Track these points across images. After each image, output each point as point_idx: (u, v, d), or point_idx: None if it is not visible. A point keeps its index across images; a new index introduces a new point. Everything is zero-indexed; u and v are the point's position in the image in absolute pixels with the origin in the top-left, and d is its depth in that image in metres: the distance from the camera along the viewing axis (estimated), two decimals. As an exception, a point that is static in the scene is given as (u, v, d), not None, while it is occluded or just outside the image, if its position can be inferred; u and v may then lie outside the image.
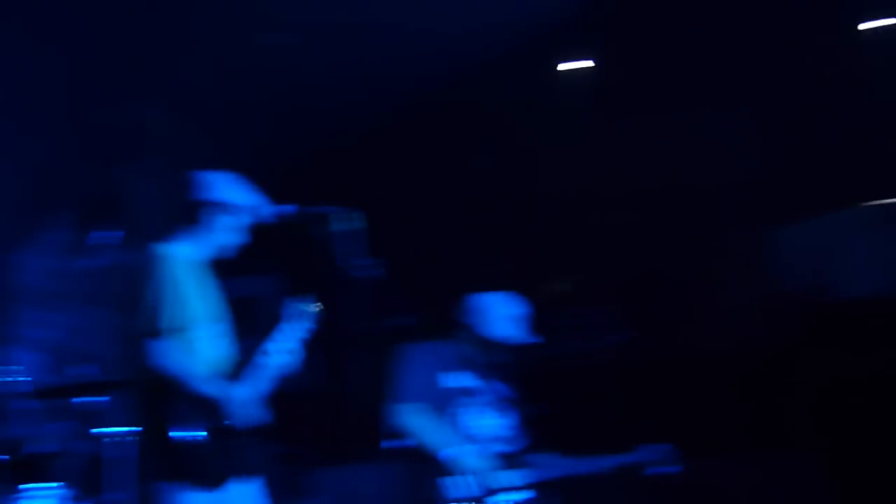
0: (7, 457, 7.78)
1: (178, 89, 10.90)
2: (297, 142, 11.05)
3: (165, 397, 5.91)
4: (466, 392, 7.11)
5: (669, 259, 11.61)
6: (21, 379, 8.28)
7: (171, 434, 5.83)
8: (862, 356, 9.26)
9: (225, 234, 6.31)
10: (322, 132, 10.94)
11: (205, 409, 5.90)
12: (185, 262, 6.17)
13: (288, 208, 6.34)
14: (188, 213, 6.28)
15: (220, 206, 6.29)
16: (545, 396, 8.99)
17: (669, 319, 11.39)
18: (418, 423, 6.65)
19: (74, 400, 8.19)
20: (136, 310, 5.95)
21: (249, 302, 6.68)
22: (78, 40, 9.68)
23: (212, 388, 5.94)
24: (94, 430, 8.10)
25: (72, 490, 7.65)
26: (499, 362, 7.16)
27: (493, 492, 6.89)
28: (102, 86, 10.21)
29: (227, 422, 5.93)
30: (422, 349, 6.77)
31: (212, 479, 5.85)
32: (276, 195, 6.54)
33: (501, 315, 7.17)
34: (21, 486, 7.56)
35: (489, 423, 7.15)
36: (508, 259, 11.38)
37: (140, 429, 6.04)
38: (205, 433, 5.87)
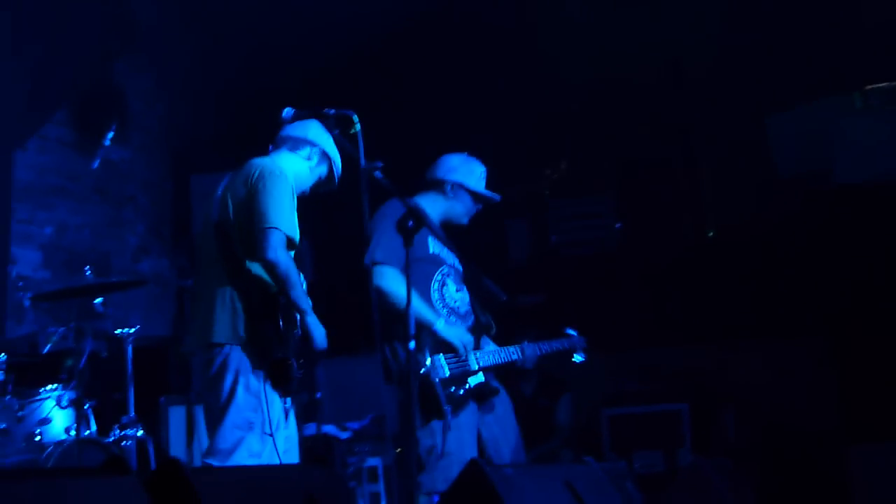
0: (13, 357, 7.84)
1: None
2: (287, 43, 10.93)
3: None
4: (439, 261, 7.21)
5: (667, 146, 11.58)
6: (19, 279, 8.29)
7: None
8: (864, 241, 9.24)
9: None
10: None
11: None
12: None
13: (288, 111, 6.30)
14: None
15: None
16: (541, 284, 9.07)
17: (669, 206, 11.37)
18: (398, 286, 6.68)
19: (76, 300, 8.22)
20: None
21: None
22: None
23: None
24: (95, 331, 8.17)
25: (74, 391, 7.69)
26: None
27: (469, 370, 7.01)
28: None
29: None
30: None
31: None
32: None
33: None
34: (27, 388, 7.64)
35: (457, 295, 7.25)
36: (509, 148, 11.37)
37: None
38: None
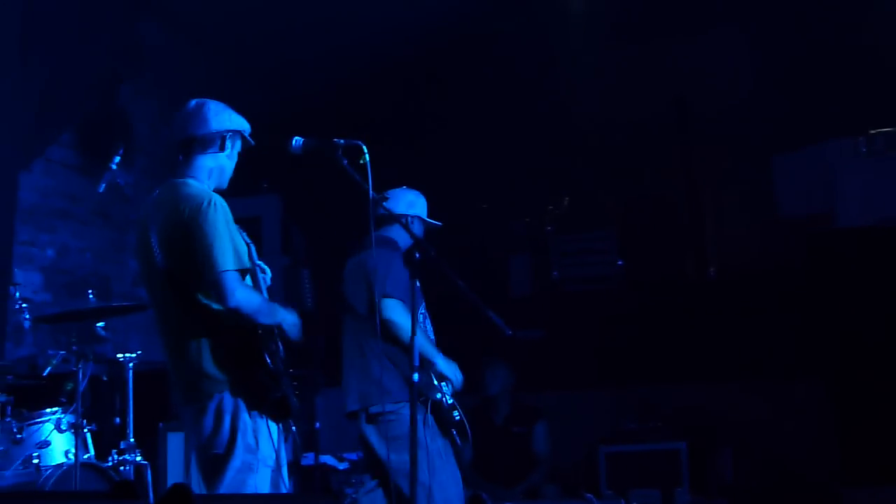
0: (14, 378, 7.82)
1: (179, 10, 10.82)
2: (294, 70, 10.96)
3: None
4: (421, 295, 7.21)
5: (673, 184, 11.61)
6: (22, 300, 8.27)
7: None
8: (865, 284, 9.24)
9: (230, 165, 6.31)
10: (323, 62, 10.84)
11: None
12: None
13: (299, 140, 6.30)
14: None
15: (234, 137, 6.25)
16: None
17: (671, 244, 11.40)
18: (406, 319, 6.65)
19: (76, 324, 8.20)
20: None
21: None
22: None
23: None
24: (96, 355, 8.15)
25: (74, 414, 7.66)
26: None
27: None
28: (103, 4, 10.14)
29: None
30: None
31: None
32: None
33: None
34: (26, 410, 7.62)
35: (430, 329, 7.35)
36: (513, 183, 11.40)
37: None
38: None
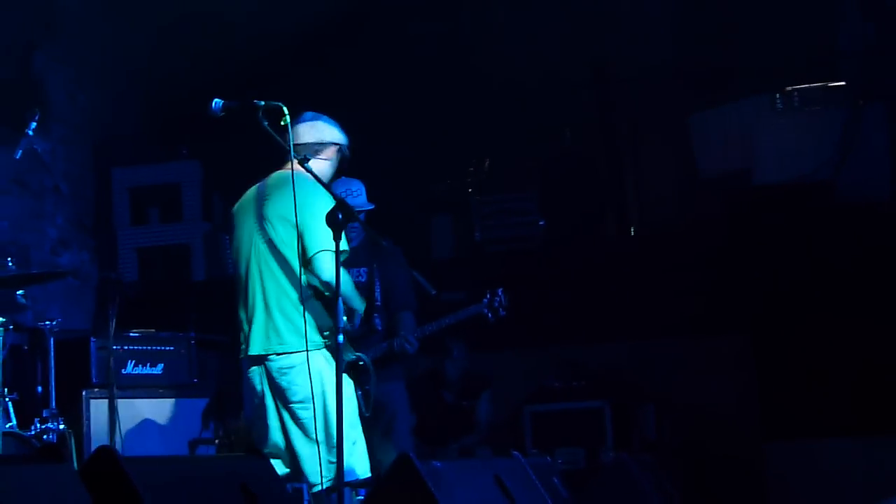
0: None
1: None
2: (211, 33, 10.87)
3: None
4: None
5: (590, 145, 11.65)
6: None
7: None
8: (783, 241, 9.35)
9: None
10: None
11: None
12: None
13: (218, 102, 6.25)
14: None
15: None
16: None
17: (591, 205, 11.44)
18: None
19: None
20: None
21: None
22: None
23: None
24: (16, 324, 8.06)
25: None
26: None
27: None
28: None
29: None
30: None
31: None
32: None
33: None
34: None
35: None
36: (432, 145, 11.40)
37: None
38: None
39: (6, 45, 10.19)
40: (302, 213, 6.34)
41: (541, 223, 11.06)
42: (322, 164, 6.68)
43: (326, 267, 6.31)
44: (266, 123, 6.21)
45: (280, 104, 6.18)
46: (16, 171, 10.22)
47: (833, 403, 8.87)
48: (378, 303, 7.64)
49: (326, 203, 6.05)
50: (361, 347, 7.31)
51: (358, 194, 7.79)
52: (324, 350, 6.42)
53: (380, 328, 7.53)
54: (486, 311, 7.79)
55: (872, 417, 8.72)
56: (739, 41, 10.76)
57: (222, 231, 10.58)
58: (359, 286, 7.50)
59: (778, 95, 10.35)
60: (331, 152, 6.77)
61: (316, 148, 6.70)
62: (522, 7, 11.30)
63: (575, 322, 10.39)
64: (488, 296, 7.81)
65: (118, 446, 7.90)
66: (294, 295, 6.41)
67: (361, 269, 7.74)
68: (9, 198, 10.32)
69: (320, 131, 6.78)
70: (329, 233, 5.82)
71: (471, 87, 11.29)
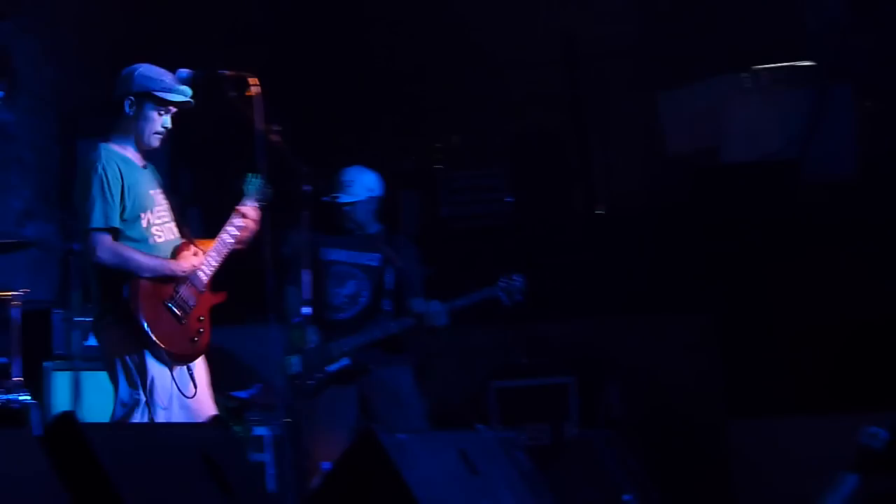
0: None
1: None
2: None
3: None
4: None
5: (558, 121, 11.64)
6: None
7: None
8: (749, 219, 9.38)
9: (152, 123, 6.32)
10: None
11: None
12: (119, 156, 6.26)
13: (184, 72, 6.23)
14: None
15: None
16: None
17: (559, 181, 11.43)
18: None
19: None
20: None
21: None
22: None
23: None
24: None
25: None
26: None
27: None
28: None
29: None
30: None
31: None
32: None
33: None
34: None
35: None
36: (398, 120, 11.38)
37: None
38: None
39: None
40: None
41: (508, 199, 11.04)
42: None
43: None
44: (233, 94, 6.20)
45: (246, 74, 6.17)
46: (-20, 142, 10.18)
47: (797, 381, 8.92)
48: (388, 287, 7.77)
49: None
50: (369, 326, 7.48)
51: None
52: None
53: (388, 310, 7.68)
54: (501, 294, 7.84)
55: (835, 395, 8.78)
56: (708, 18, 10.75)
57: (191, 204, 10.53)
58: (369, 270, 7.67)
59: (746, 74, 10.38)
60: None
61: None
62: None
63: (541, 299, 10.39)
64: (504, 280, 7.86)
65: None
66: None
67: (375, 255, 7.92)
68: (-27, 168, 10.26)
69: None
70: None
71: (439, 63, 11.27)
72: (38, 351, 8.42)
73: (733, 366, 9.25)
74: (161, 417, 6.16)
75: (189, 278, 6.30)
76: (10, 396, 7.63)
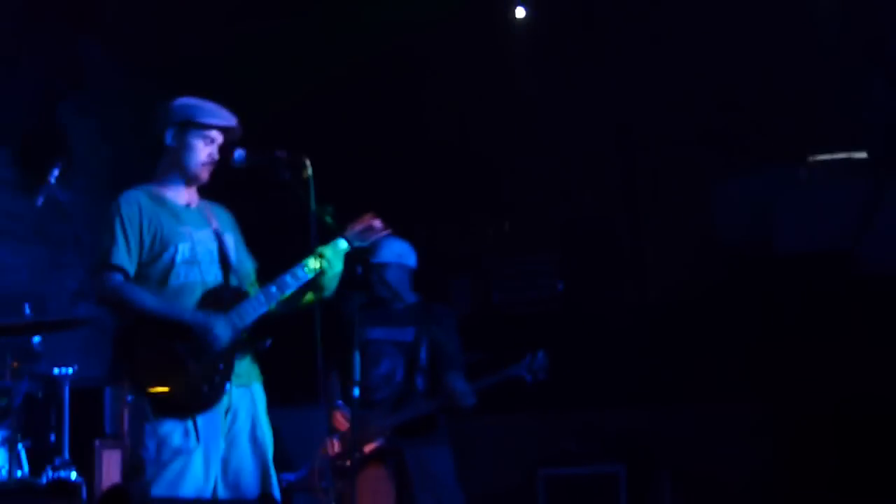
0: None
1: (120, 28, 10.77)
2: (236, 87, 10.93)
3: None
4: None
5: (611, 209, 11.65)
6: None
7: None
8: (801, 309, 9.34)
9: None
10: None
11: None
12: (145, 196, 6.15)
13: (239, 153, 6.26)
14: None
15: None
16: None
17: (610, 269, 11.42)
18: None
19: (11, 339, 8.12)
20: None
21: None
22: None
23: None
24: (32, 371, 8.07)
25: (8, 430, 7.59)
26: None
27: None
28: (42, 20, 10.08)
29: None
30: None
31: None
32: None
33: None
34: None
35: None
36: (450, 205, 11.41)
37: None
38: None
39: (32, 95, 10.25)
40: None
41: (559, 286, 11.03)
42: None
43: None
44: (288, 176, 6.20)
45: (303, 156, 6.18)
46: (37, 221, 10.26)
47: (850, 471, 8.83)
48: (423, 363, 7.73)
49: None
50: (402, 406, 7.46)
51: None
52: None
53: (421, 388, 7.64)
54: (525, 373, 7.80)
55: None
56: (763, 109, 10.75)
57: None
58: (403, 346, 7.65)
59: (801, 166, 10.37)
60: None
61: None
62: (548, 70, 11.33)
63: (592, 385, 10.35)
64: (528, 358, 7.82)
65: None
66: None
67: (408, 329, 7.84)
68: (29, 247, 10.34)
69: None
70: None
71: (493, 150, 11.33)
72: (89, 429, 8.45)
73: (786, 455, 9.16)
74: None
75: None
76: (58, 474, 7.64)
